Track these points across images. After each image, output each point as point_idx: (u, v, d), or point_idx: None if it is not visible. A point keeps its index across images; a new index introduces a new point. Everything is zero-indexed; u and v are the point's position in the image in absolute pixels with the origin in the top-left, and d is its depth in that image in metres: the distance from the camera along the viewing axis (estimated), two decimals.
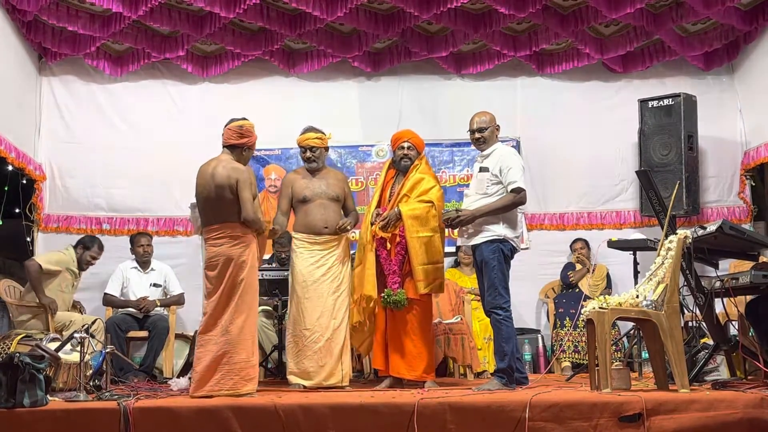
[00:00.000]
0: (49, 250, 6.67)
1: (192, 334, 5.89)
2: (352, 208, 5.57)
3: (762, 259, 4.88)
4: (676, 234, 4.29)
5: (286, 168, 7.33)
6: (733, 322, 4.84)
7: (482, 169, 4.94)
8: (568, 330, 6.62)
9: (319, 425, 3.73)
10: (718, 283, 4.52)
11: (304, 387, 5.11)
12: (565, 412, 3.67)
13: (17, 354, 3.94)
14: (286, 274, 5.58)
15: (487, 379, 5.61)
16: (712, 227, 4.44)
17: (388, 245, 5.25)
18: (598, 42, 7.24)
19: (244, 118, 4.81)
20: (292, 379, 5.21)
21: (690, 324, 5.21)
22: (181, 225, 7.33)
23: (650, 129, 6.99)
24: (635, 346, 6.08)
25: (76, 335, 4.37)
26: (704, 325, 4.99)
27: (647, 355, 5.00)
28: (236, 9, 6.41)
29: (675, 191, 5.36)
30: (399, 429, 3.68)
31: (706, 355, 4.80)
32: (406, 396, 4.11)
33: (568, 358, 6.58)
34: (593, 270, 6.94)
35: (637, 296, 4.24)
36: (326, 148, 5.53)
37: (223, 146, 4.76)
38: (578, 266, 7.08)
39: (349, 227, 5.37)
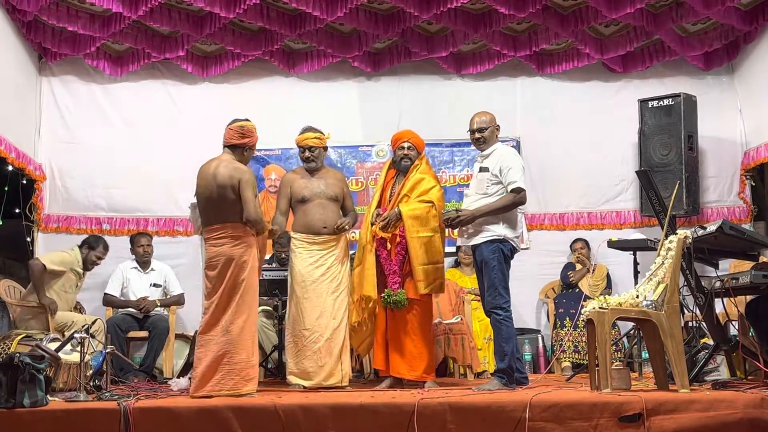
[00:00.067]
0: (50, 250, 6.66)
1: (192, 334, 5.89)
2: (350, 207, 5.56)
3: (762, 259, 4.88)
4: (676, 234, 4.29)
5: (286, 168, 7.33)
6: (733, 322, 4.84)
7: (482, 169, 4.95)
8: (568, 330, 6.62)
9: (319, 425, 3.73)
10: (718, 283, 4.53)
11: (304, 387, 5.11)
12: (565, 413, 3.67)
13: (17, 354, 3.94)
14: (286, 274, 5.57)
15: (487, 379, 5.61)
16: (712, 227, 4.44)
17: (389, 245, 5.26)
18: (598, 42, 7.24)
19: (247, 119, 4.82)
20: (291, 379, 5.21)
21: (690, 324, 5.22)
22: (181, 225, 7.33)
23: (650, 129, 6.99)
24: (635, 346, 6.08)
25: (76, 335, 4.38)
26: (704, 325, 4.99)
27: (647, 355, 5.00)
28: (236, 9, 6.41)
29: (675, 191, 5.36)
30: (399, 429, 3.68)
31: (706, 355, 4.80)
32: (406, 396, 4.11)
33: (568, 358, 6.58)
34: (593, 270, 6.94)
35: (637, 296, 4.24)
36: (325, 148, 5.53)
37: (224, 146, 4.76)
38: (578, 266, 7.08)
39: (347, 227, 5.36)
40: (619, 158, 7.47)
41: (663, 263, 4.25)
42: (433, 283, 5.16)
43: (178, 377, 5.24)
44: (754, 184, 7.37)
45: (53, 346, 4.54)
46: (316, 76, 7.60)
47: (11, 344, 4.69)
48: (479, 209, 4.81)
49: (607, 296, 4.35)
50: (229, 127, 4.77)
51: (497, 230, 4.79)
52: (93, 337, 4.53)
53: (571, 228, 7.48)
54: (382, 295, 5.18)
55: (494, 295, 4.76)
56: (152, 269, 6.72)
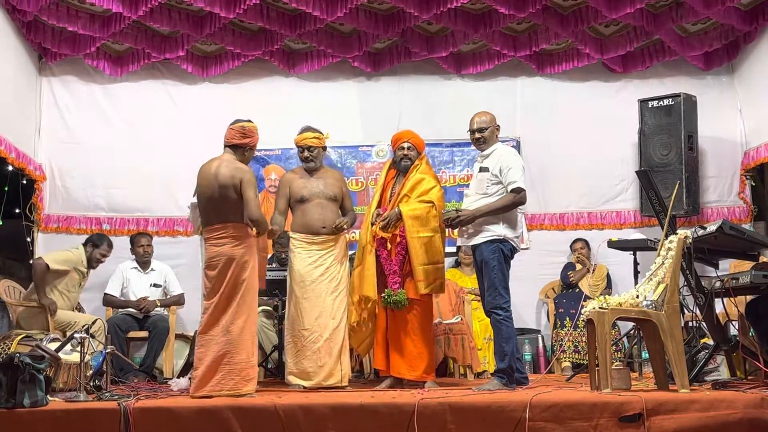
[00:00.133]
0: (51, 250, 6.66)
1: (192, 334, 5.89)
2: (349, 207, 5.56)
3: (762, 259, 4.88)
4: (676, 234, 4.29)
5: (286, 168, 7.32)
6: (733, 322, 4.84)
7: (482, 169, 4.95)
8: (568, 330, 6.62)
9: (319, 425, 3.73)
10: (718, 283, 4.53)
11: (304, 387, 5.11)
12: (566, 413, 3.67)
13: (17, 354, 3.94)
14: (285, 274, 5.57)
15: (487, 379, 5.61)
16: (712, 227, 4.44)
17: (389, 245, 5.25)
18: (598, 42, 7.24)
19: (249, 120, 4.83)
20: (291, 379, 5.21)
21: (690, 324, 5.22)
22: (181, 225, 7.32)
23: (650, 129, 6.99)
24: (635, 346, 6.08)
25: (76, 335, 4.38)
26: (704, 325, 4.99)
27: (647, 355, 5.00)
28: (236, 9, 6.41)
29: (675, 191, 5.36)
30: (399, 429, 3.68)
31: (706, 355, 4.80)
32: (406, 396, 4.11)
33: (569, 358, 6.58)
34: (593, 270, 6.94)
35: (637, 296, 4.24)
36: (324, 148, 5.53)
37: (225, 146, 4.76)
38: (578, 266, 7.08)
39: (345, 226, 5.36)
40: (619, 158, 7.47)
41: (663, 263, 4.25)
42: (433, 283, 5.15)
43: (178, 377, 5.24)
44: (754, 184, 7.38)
45: (53, 346, 4.54)
46: (316, 76, 7.60)
47: (11, 344, 4.68)
48: (479, 209, 4.81)
49: (607, 296, 4.35)
50: (230, 127, 4.78)
51: (497, 230, 4.79)
52: (93, 337, 4.53)
53: (571, 228, 7.48)
54: (383, 295, 5.18)
55: (494, 295, 4.76)
56: (152, 269, 6.72)
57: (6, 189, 6.69)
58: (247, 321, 4.51)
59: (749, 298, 4.68)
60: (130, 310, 6.45)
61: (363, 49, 7.27)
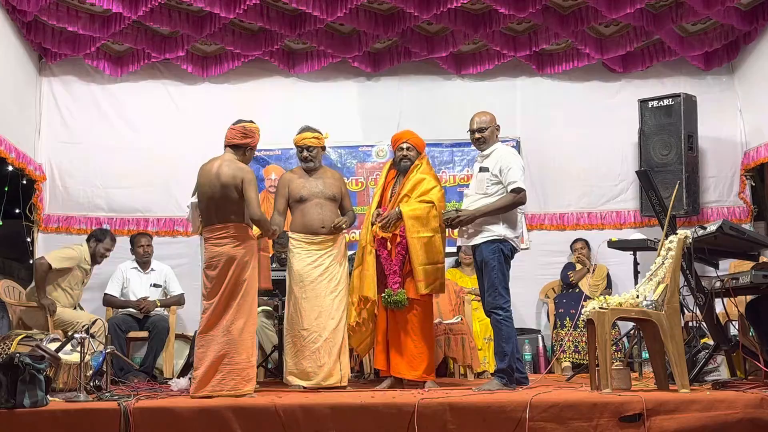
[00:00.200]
0: (51, 250, 6.64)
1: (192, 334, 5.88)
2: (348, 207, 5.56)
3: (762, 259, 4.88)
4: (677, 234, 4.29)
5: (285, 168, 7.31)
6: (733, 322, 4.84)
7: (482, 169, 4.95)
8: (568, 330, 6.62)
9: (319, 425, 3.73)
10: (718, 283, 4.52)
11: (304, 387, 5.10)
12: (566, 413, 3.68)
13: (17, 354, 3.94)
14: (285, 274, 5.57)
15: (487, 379, 5.61)
16: (712, 227, 4.44)
17: (389, 245, 5.25)
18: (598, 42, 7.24)
19: (251, 121, 4.84)
20: (291, 379, 5.20)
21: (690, 324, 5.22)
22: (181, 225, 7.32)
23: (650, 129, 6.99)
24: (635, 346, 6.08)
25: (76, 336, 4.38)
26: (704, 325, 4.99)
27: (647, 355, 5.00)
28: (236, 9, 6.41)
29: (675, 191, 5.36)
30: (399, 429, 3.68)
31: (707, 355, 4.81)
32: (406, 396, 4.10)
33: (569, 358, 6.58)
34: (593, 270, 6.94)
35: (638, 296, 4.24)
36: (323, 148, 5.53)
37: (226, 146, 4.76)
38: (578, 266, 7.08)
39: (344, 226, 5.36)
40: (619, 158, 7.47)
41: (663, 263, 4.25)
42: (433, 283, 5.15)
43: (178, 377, 5.23)
44: (754, 184, 7.37)
45: (53, 346, 4.54)
46: (316, 76, 7.59)
47: (11, 344, 4.69)
48: (479, 209, 4.82)
49: (607, 296, 4.35)
50: (232, 127, 4.78)
51: (497, 230, 4.80)
52: (93, 337, 4.53)
53: (571, 228, 7.48)
54: (383, 295, 5.18)
55: (494, 295, 4.76)
56: (152, 269, 6.72)
57: (6, 189, 6.68)
58: (247, 321, 4.51)
59: (749, 298, 4.68)
60: (130, 310, 6.45)
61: (363, 50, 7.27)
